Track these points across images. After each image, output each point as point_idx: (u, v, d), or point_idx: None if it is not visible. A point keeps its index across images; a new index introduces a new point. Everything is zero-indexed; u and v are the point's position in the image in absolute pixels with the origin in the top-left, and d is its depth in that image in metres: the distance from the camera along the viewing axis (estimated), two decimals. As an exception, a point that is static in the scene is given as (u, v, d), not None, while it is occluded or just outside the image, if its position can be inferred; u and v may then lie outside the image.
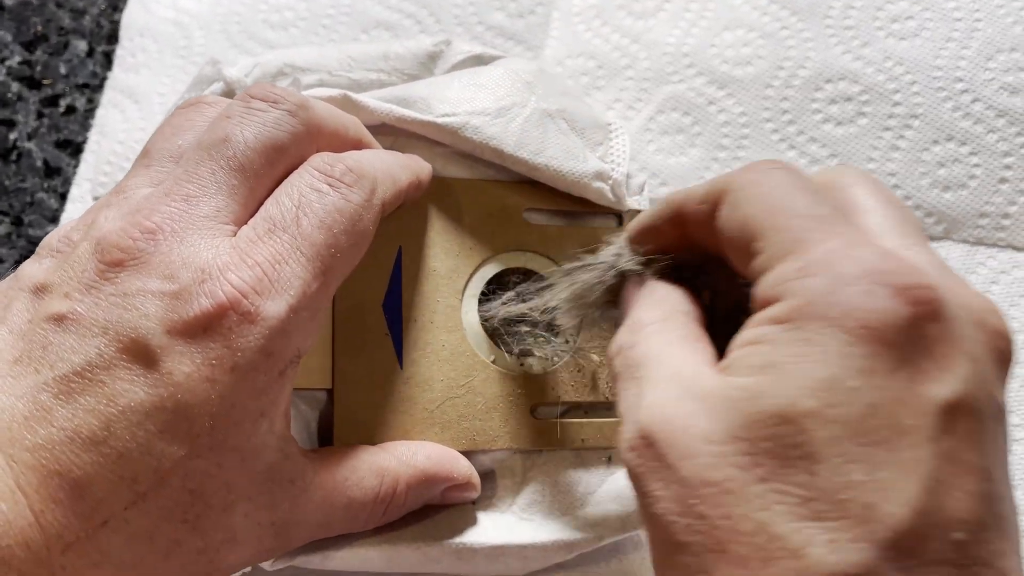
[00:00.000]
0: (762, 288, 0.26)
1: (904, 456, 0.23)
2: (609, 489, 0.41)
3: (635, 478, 0.27)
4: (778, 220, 0.27)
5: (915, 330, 0.24)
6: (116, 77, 0.60)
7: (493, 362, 0.42)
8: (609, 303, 0.36)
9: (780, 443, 0.23)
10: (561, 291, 0.37)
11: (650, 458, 0.26)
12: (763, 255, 0.27)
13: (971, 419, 0.24)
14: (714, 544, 0.24)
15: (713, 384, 0.26)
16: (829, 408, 0.23)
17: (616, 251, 0.35)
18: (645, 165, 0.57)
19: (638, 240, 0.35)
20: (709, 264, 0.33)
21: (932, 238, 0.55)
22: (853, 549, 0.22)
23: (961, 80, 0.57)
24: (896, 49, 0.58)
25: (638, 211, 0.47)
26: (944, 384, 0.24)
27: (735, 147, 0.57)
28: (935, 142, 0.56)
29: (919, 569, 0.22)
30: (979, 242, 0.55)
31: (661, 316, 0.30)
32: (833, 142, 0.56)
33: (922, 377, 0.24)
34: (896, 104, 0.57)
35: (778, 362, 0.24)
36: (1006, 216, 0.55)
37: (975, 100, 0.56)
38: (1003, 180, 0.55)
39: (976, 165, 0.55)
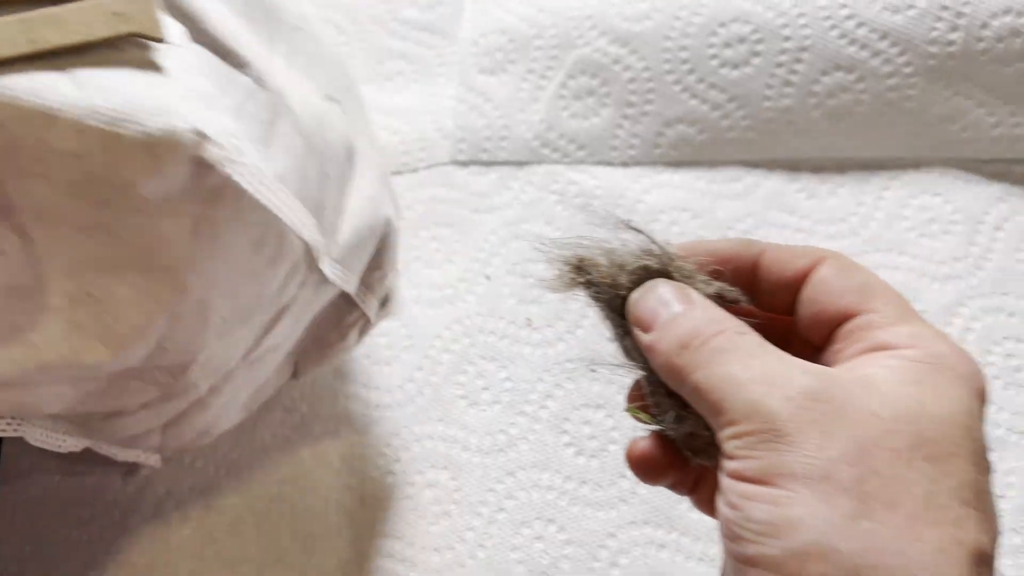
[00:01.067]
0: (894, 336, 0.34)
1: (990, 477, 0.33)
2: None
3: (786, 422, 0.30)
4: (893, 295, 0.36)
5: (984, 399, 0.34)
6: None
7: None
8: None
9: (944, 438, 0.31)
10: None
11: (817, 411, 0.30)
12: (880, 313, 0.35)
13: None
14: (884, 496, 0.29)
15: (861, 378, 0.32)
16: (973, 428, 0.32)
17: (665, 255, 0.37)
18: (563, 132, 0.63)
19: (714, 263, 0.39)
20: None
21: (828, 170, 0.61)
22: (987, 536, 0.30)
23: (845, 6, 0.60)
24: (784, -16, 0.61)
25: None
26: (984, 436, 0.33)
27: (642, 103, 0.62)
28: (824, 73, 0.60)
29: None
30: (865, 167, 0.60)
31: (744, 325, 0.35)
32: (731, 85, 0.61)
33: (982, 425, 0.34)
34: (787, 39, 0.60)
35: (928, 384, 0.32)
36: (890, 138, 0.60)
37: (860, 24, 0.60)
38: (887, 103, 0.60)
39: (863, 91, 0.60)
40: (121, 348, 0.38)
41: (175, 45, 0.37)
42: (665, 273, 0.36)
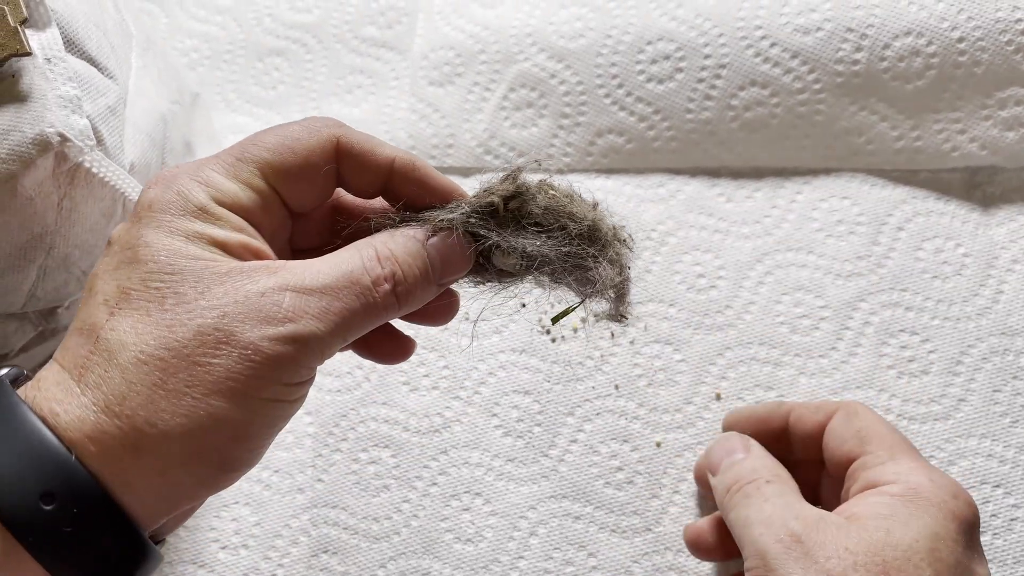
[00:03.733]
0: (880, 474, 0.44)
1: None
2: None
3: (774, 560, 0.40)
4: (886, 437, 0.46)
5: (973, 526, 0.42)
6: None
7: None
8: None
9: (907, 563, 0.39)
10: None
11: (798, 552, 0.40)
12: (872, 455, 0.45)
13: None
14: None
15: (844, 522, 0.41)
16: (937, 551, 0.39)
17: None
18: (504, 140, 0.68)
19: (748, 430, 0.52)
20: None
21: (746, 176, 0.66)
22: None
23: (760, 27, 0.65)
24: (705, 6, 0.66)
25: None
26: (982, 566, 0.42)
27: (576, 114, 0.68)
28: (741, 88, 0.65)
29: None
30: (781, 172, 0.66)
31: (780, 471, 0.47)
32: (656, 99, 0.66)
33: (977, 557, 0.42)
34: (707, 57, 0.66)
35: (898, 516, 0.41)
36: (801, 149, 0.65)
37: (773, 44, 0.65)
38: (799, 116, 0.65)
39: (776, 105, 0.65)
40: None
41: (49, 57, 0.46)
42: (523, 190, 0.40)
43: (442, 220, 0.39)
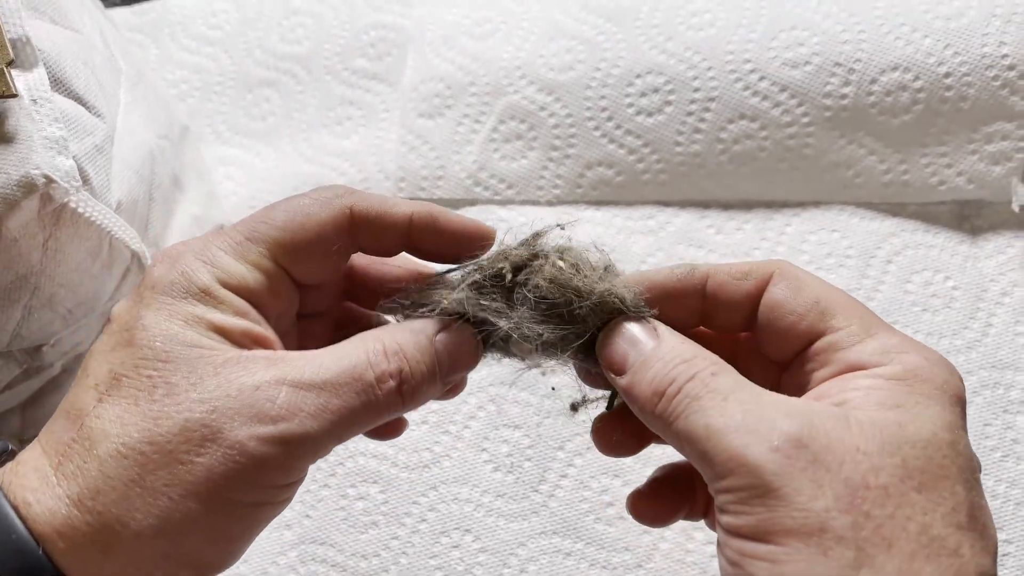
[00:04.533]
0: (861, 354, 0.34)
1: (980, 489, 0.32)
2: None
3: (774, 476, 0.30)
4: (850, 307, 0.35)
5: (963, 401, 0.34)
6: None
7: None
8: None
9: (929, 462, 0.30)
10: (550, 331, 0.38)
11: (803, 459, 0.30)
12: (845, 330, 0.35)
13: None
14: (880, 539, 0.29)
15: (840, 411, 0.32)
16: (956, 443, 0.32)
17: (620, 294, 0.37)
18: (494, 172, 0.68)
19: (651, 302, 0.37)
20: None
21: (735, 208, 0.66)
22: (988, 557, 0.30)
23: (749, 61, 0.66)
24: (694, 40, 0.67)
25: None
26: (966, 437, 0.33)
27: (565, 147, 0.68)
28: (730, 121, 0.66)
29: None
30: (770, 205, 0.66)
31: (714, 358, 0.35)
32: (646, 132, 0.67)
33: (965, 435, 0.33)
34: (696, 90, 0.66)
35: (906, 405, 0.32)
36: (790, 182, 0.65)
37: (762, 78, 0.65)
38: (788, 149, 0.65)
39: (765, 138, 0.65)
40: None
41: (36, 98, 0.46)
42: (534, 257, 0.38)
43: (448, 303, 0.37)
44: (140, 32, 0.77)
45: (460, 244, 0.39)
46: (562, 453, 0.60)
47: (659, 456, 0.59)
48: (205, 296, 0.34)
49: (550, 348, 0.38)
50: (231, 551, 0.34)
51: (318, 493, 0.60)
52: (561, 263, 0.38)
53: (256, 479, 0.32)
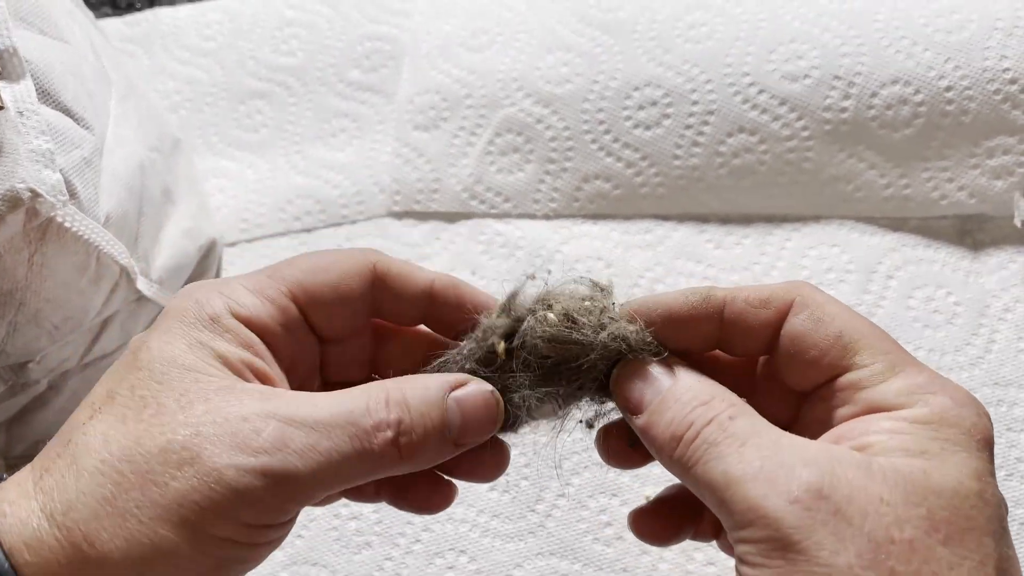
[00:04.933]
0: (886, 394, 0.33)
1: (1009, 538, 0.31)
2: None
3: (794, 530, 0.29)
4: (875, 340, 0.34)
5: (991, 444, 0.33)
6: None
7: None
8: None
9: (956, 514, 0.29)
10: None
11: (824, 511, 0.29)
12: (867, 368, 0.33)
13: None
14: None
15: (862, 458, 0.30)
16: (984, 492, 0.30)
17: (615, 333, 0.35)
18: (490, 185, 0.67)
19: (664, 328, 0.36)
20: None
21: (734, 222, 0.65)
22: None
23: (748, 74, 0.65)
24: (692, 52, 0.66)
25: None
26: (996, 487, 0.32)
27: (562, 160, 0.67)
28: (729, 134, 0.65)
29: None
30: (769, 219, 0.65)
31: (732, 398, 0.34)
32: (644, 145, 0.66)
33: (993, 480, 0.32)
34: (695, 103, 0.65)
35: (931, 451, 0.31)
36: (790, 196, 0.65)
37: (761, 91, 0.64)
38: (787, 163, 0.64)
39: (765, 152, 0.64)
40: None
41: (22, 110, 0.45)
42: (520, 320, 0.36)
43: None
44: (132, 43, 0.76)
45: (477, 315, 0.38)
46: (560, 472, 0.59)
47: (659, 475, 0.58)
48: (213, 324, 0.34)
49: (569, 400, 0.37)
50: None
51: (310, 512, 0.59)
52: (551, 316, 0.36)
53: (232, 512, 0.31)
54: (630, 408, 0.35)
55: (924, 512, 0.29)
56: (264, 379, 0.34)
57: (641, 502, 0.57)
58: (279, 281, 0.36)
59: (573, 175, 0.67)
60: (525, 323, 0.36)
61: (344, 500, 0.58)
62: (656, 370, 0.35)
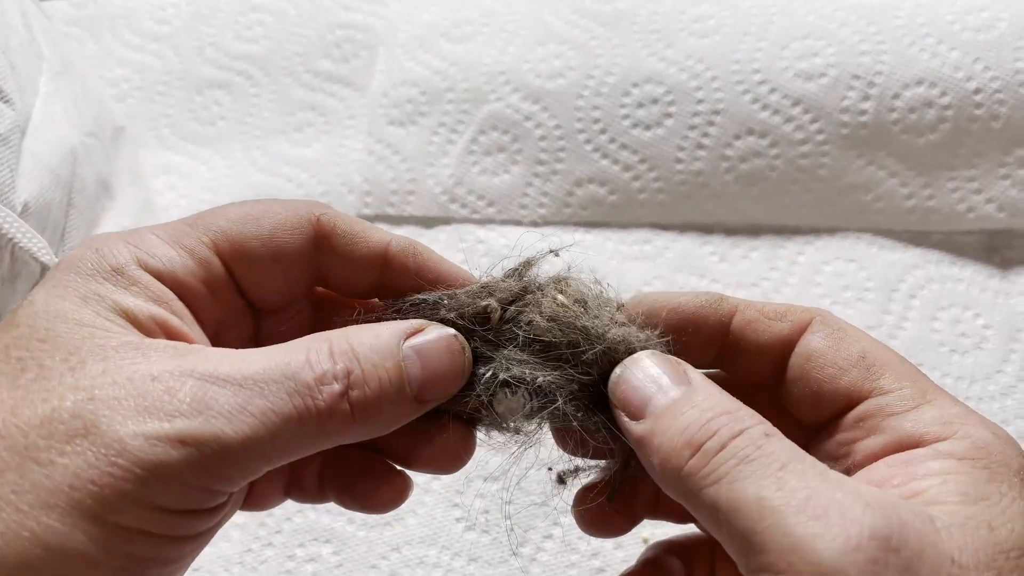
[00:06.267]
0: (920, 423, 0.29)
1: None
2: None
3: None
4: (901, 366, 0.30)
5: None
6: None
7: None
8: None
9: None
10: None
11: (894, 568, 0.24)
12: (896, 393, 0.29)
13: None
14: None
15: (921, 508, 0.26)
16: None
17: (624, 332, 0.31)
18: (472, 188, 0.61)
19: (668, 327, 0.32)
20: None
21: (741, 233, 0.59)
22: None
23: (758, 71, 0.59)
24: (697, 47, 0.60)
25: None
26: None
27: (553, 161, 0.61)
28: (737, 137, 0.59)
29: None
30: (780, 230, 0.59)
31: (760, 417, 0.28)
32: (643, 147, 0.60)
33: None
34: (699, 101, 0.59)
35: (991, 499, 0.27)
36: (803, 205, 0.59)
37: (772, 90, 0.59)
38: (800, 169, 0.58)
39: (776, 157, 0.59)
40: None
41: None
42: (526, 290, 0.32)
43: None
44: (77, 26, 0.69)
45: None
46: (547, 510, 0.52)
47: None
48: (115, 275, 0.27)
49: (545, 397, 0.31)
50: None
51: (260, 553, 0.51)
52: (562, 297, 0.31)
53: (142, 494, 0.24)
54: (630, 409, 0.30)
55: (995, 574, 0.25)
56: (177, 338, 0.28)
57: (639, 545, 0.50)
58: (200, 230, 0.29)
59: (565, 178, 0.60)
60: (532, 295, 0.31)
61: (300, 541, 0.51)
62: (668, 370, 0.30)
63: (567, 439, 0.33)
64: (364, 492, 0.33)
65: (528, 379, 0.30)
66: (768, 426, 0.27)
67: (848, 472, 0.29)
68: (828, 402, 0.30)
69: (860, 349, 0.30)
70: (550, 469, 0.35)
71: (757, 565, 0.25)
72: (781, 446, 0.27)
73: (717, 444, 0.27)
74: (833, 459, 0.30)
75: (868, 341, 0.31)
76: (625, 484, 0.32)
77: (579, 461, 0.34)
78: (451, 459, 0.33)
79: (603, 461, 0.34)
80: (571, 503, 0.35)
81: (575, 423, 0.32)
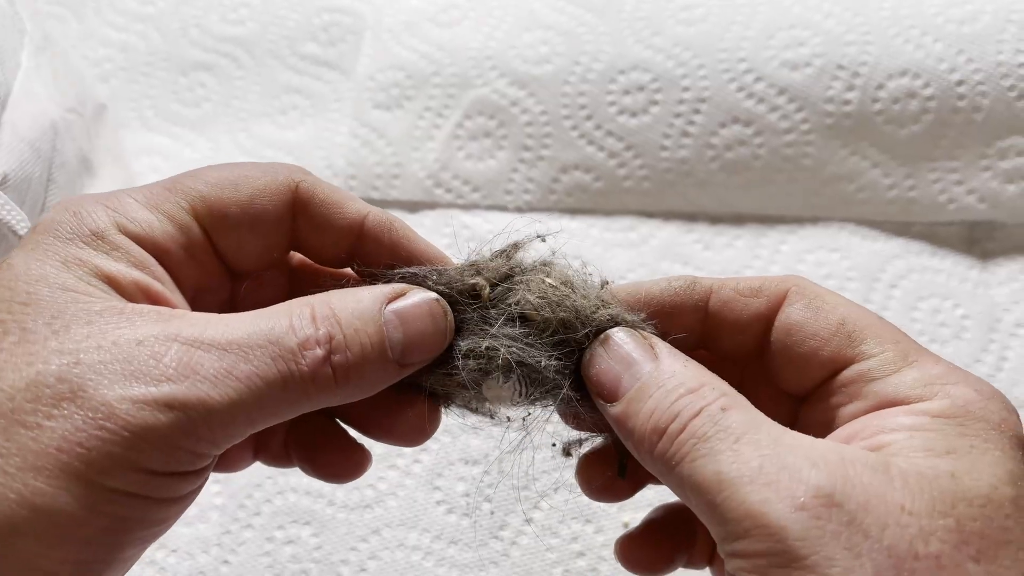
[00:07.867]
0: (902, 386, 0.29)
1: None
2: None
3: (800, 542, 0.24)
4: (882, 329, 0.30)
5: (1022, 441, 0.28)
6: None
7: None
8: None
9: (989, 524, 0.25)
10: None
11: (836, 521, 0.24)
12: (878, 357, 0.30)
13: None
14: None
15: (879, 459, 0.26)
16: (1020, 499, 0.26)
17: (610, 312, 0.32)
18: (457, 173, 0.61)
19: (652, 315, 0.32)
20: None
21: (725, 222, 0.60)
22: None
23: (744, 60, 0.59)
24: (684, 35, 0.60)
25: None
26: None
27: (539, 147, 0.61)
28: (722, 125, 0.59)
29: None
30: (764, 219, 0.59)
31: (724, 387, 0.29)
32: (628, 134, 0.60)
33: None
34: (685, 90, 0.60)
35: (959, 450, 0.26)
36: (787, 194, 0.59)
37: (758, 79, 0.59)
38: (785, 158, 0.59)
39: (760, 145, 0.59)
40: None
41: None
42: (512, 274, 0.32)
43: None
44: (60, 5, 0.68)
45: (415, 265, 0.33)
46: (528, 494, 0.52)
47: (638, 499, 0.51)
48: (95, 239, 0.28)
49: (535, 378, 0.31)
50: (92, 565, 0.25)
51: (239, 535, 0.51)
52: (550, 280, 0.32)
53: (129, 457, 0.24)
54: (603, 395, 0.30)
55: (952, 523, 0.25)
56: (158, 303, 0.28)
57: (620, 530, 0.50)
58: (179, 195, 0.30)
59: (550, 164, 0.60)
60: (520, 276, 0.31)
61: (279, 523, 0.51)
62: (635, 350, 0.30)
63: (568, 416, 0.33)
64: (324, 461, 0.34)
65: (530, 362, 0.31)
66: (728, 398, 0.28)
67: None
68: (812, 372, 0.31)
69: (839, 316, 0.31)
70: (554, 444, 0.35)
71: (722, 535, 0.26)
72: (738, 418, 0.27)
73: (679, 426, 0.28)
74: (820, 425, 0.30)
75: (847, 307, 0.31)
76: (630, 455, 0.32)
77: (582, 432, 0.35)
78: (416, 432, 0.33)
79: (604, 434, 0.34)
80: (559, 469, 0.35)
81: (575, 407, 0.32)
